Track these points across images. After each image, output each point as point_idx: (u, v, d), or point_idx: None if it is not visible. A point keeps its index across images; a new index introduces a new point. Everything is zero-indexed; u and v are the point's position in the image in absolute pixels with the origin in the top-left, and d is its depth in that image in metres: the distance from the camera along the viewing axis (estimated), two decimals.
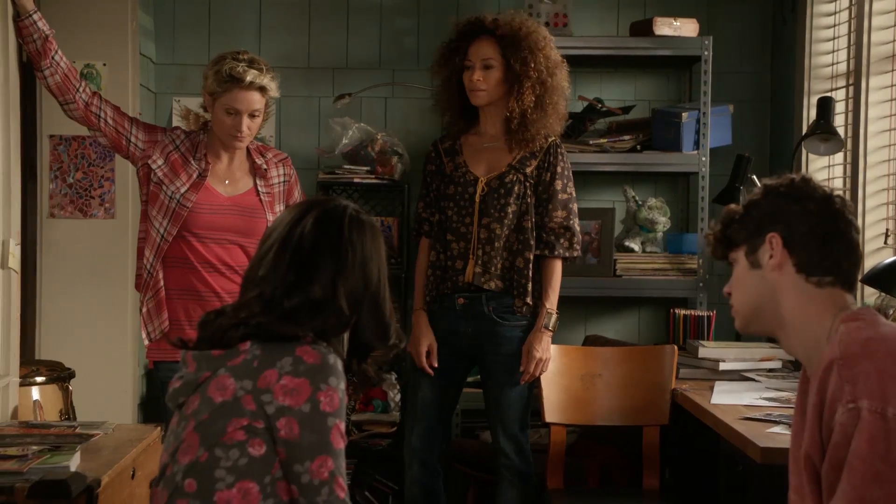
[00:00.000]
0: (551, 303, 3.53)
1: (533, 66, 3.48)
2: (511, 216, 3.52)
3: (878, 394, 1.80)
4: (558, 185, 3.54)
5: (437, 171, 3.65)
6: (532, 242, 3.52)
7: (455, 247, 3.56)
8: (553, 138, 3.58)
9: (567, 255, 3.56)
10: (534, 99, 3.49)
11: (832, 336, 1.94)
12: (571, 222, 3.55)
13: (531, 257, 3.52)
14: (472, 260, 3.52)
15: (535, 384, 3.62)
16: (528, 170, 3.54)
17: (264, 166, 3.49)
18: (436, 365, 3.55)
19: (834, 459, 1.84)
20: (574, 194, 3.60)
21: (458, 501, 4.23)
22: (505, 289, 3.51)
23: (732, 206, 2.12)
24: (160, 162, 3.40)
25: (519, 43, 3.49)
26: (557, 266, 3.56)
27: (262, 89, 3.36)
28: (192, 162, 3.42)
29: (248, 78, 3.32)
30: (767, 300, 2.04)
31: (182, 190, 3.38)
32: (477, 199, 3.54)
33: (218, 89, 3.33)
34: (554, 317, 3.52)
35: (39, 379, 3.35)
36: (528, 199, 3.52)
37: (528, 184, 3.53)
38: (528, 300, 3.51)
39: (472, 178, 3.57)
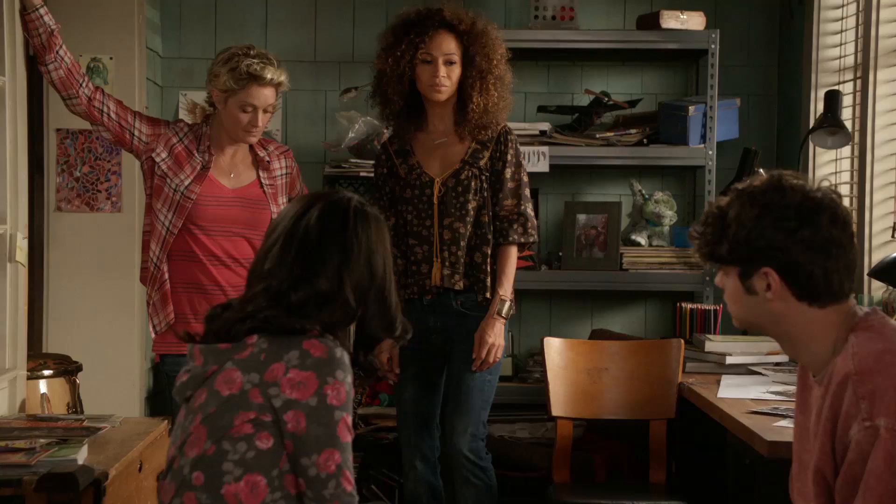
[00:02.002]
0: (504, 289, 3.47)
1: (495, 62, 3.47)
2: (472, 213, 3.48)
3: (895, 411, 1.79)
4: (507, 173, 3.50)
5: (389, 173, 3.59)
6: (490, 237, 3.49)
7: (419, 251, 3.50)
8: (502, 125, 3.54)
9: (522, 240, 3.50)
10: (496, 94, 3.47)
11: (843, 347, 1.91)
12: (522, 208, 3.50)
13: (489, 251, 3.49)
14: (436, 262, 3.47)
15: (492, 380, 3.52)
16: (482, 162, 3.50)
17: (267, 158, 3.50)
18: (397, 371, 3.52)
19: (849, 477, 1.82)
20: (525, 179, 3.54)
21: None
22: (470, 285, 3.49)
23: (714, 208, 2.01)
24: (164, 155, 3.41)
25: (479, 38, 3.46)
26: (512, 252, 3.50)
27: (279, 85, 3.39)
28: (196, 154, 3.43)
29: (268, 75, 3.34)
30: (767, 322, 2.00)
31: (186, 182, 3.39)
32: (435, 201, 3.49)
33: (235, 87, 3.33)
34: (507, 303, 3.46)
35: (47, 372, 3.35)
36: (486, 193, 3.49)
37: (483, 177, 3.49)
38: (487, 294, 3.47)
39: (427, 178, 3.51)
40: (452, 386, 3.51)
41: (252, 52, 3.37)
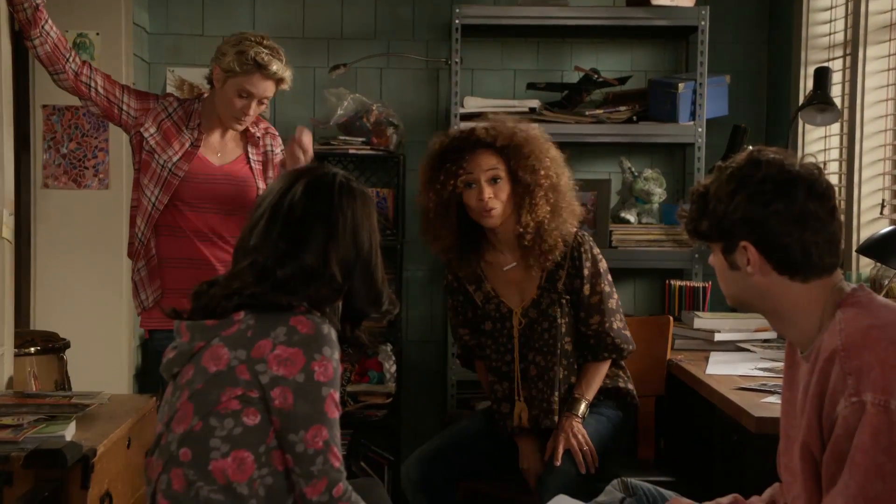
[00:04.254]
0: (582, 391, 3.22)
1: (542, 172, 3.14)
2: (558, 344, 3.20)
3: (882, 386, 1.79)
4: (586, 289, 3.20)
5: (465, 301, 3.32)
6: (576, 364, 3.25)
7: (498, 388, 3.26)
8: (571, 236, 3.21)
9: (613, 357, 3.27)
10: (549, 208, 3.14)
11: (830, 324, 1.91)
12: (607, 325, 3.22)
13: (573, 380, 3.25)
14: (519, 402, 3.23)
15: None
16: (560, 284, 3.20)
17: (257, 135, 3.49)
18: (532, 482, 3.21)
19: (836, 452, 1.83)
20: (607, 289, 3.23)
21: None
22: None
23: (699, 186, 2.04)
24: (152, 130, 3.39)
25: (521, 150, 3.14)
26: (601, 367, 3.27)
27: (280, 81, 3.36)
28: (185, 131, 3.41)
29: (273, 68, 3.31)
30: (753, 297, 2.01)
31: (174, 159, 3.37)
32: (516, 334, 3.23)
33: (237, 69, 3.30)
34: (584, 404, 3.20)
35: (34, 349, 3.34)
36: (568, 318, 3.22)
37: (563, 300, 3.21)
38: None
39: (505, 309, 3.25)
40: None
41: (264, 42, 3.34)
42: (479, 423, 3.38)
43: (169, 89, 4.59)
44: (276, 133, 3.59)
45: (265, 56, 3.30)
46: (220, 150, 3.45)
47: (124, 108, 3.38)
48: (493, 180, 3.14)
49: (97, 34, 4.19)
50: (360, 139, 4.45)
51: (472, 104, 4.37)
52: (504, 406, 3.26)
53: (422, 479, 3.19)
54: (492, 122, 3.22)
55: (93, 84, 3.34)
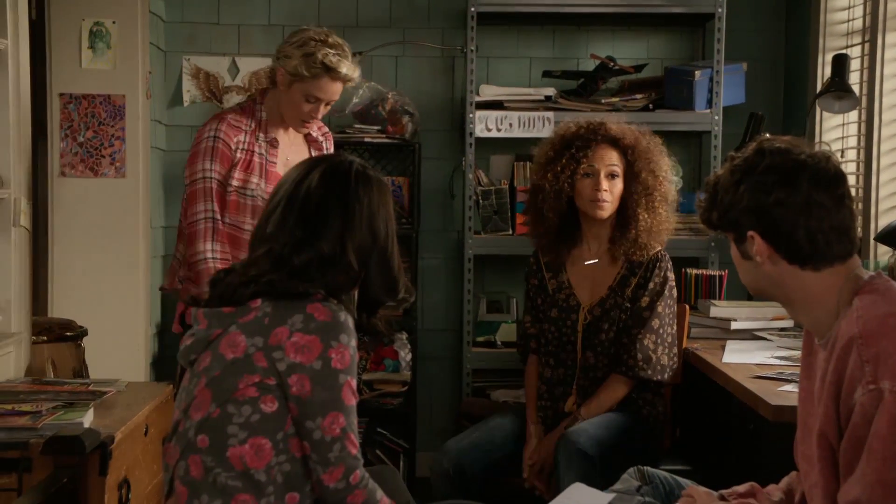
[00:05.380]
0: (586, 409, 3.25)
1: (661, 178, 3.29)
2: (608, 345, 3.29)
3: None
4: (644, 301, 3.28)
5: (539, 286, 3.42)
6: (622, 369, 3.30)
7: (554, 373, 3.34)
8: (657, 249, 3.31)
9: (629, 375, 3.28)
10: (663, 212, 3.29)
11: (847, 311, 1.91)
12: (640, 336, 3.26)
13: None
14: (574, 391, 3.30)
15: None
16: (628, 291, 3.30)
17: (319, 138, 3.44)
18: (538, 485, 3.24)
19: (853, 439, 1.82)
20: (660, 310, 3.28)
21: None
22: None
23: (712, 177, 2.05)
24: (234, 173, 3.25)
25: (646, 154, 3.29)
26: (619, 385, 3.28)
27: (348, 80, 3.25)
28: (257, 151, 3.28)
29: (343, 70, 3.20)
30: (767, 285, 2.01)
31: (262, 185, 3.26)
32: (580, 329, 3.31)
33: (305, 74, 3.18)
34: (578, 423, 3.22)
35: (52, 337, 3.36)
36: (621, 323, 3.29)
37: (625, 306, 3.29)
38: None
39: (574, 302, 3.34)
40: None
41: (330, 41, 3.22)
42: (514, 420, 3.40)
43: (185, 78, 4.59)
44: (330, 133, 3.54)
45: (333, 58, 3.18)
46: (286, 155, 3.34)
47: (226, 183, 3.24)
48: (611, 176, 3.27)
49: (113, 23, 4.20)
50: (376, 127, 4.44)
51: (488, 92, 4.36)
52: (557, 390, 3.32)
53: (456, 471, 3.19)
54: (617, 122, 3.36)
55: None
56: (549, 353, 3.35)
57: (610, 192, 3.27)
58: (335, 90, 3.24)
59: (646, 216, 3.27)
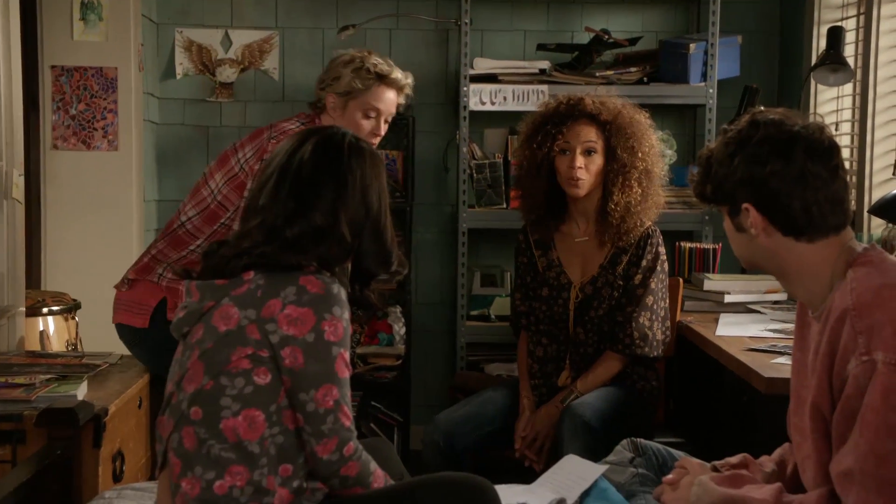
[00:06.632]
0: (581, 383, 3.24)
1: (640, 155, 3.21)
2: (598, 321, 3.27)
3: (893, 345, 1.78)
4: (637, 279, 3.25)
5: (528, 263, 3.39)
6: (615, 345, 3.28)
7: (545, 349, 3.33)
8: (646, 225, 3.28)
9: (626, 353, 3.26)
10: (640, 190, 3.22)
11: (841, 283, 1.90)
12: (636, 314, 3.24)
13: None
14: (567, 368, 3.29)
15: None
16: (620, 268, 3.26)
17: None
18: (535, 458, 3.22)
19: (846, 411, 1.82)
20: (653, 286, 3.26)
21: None
22: None
23: (705, 150, 2.04)
24: None
25: (624, 130, 3.21)
26: (613, 362, 3.27)
27: (402, 89, 3.18)
28: None
29: (396, 75, 3.14)
30: (761, 258, 2.01)
31: None
32: (571, 307, 3.28)
33: (359, 87, 3.09)
34: (573, 395, 3.22)
35: (45, 310, 3.36)
36: (613, 301, 3.26)
37: (617, 284, 3.26)
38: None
39: (565, 280, 3.31)
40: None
41: (373, 54, 3.15)
42: (506, 394, 3.39)
43: (177, 50, 4.57)
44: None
45: (383, 66, 3.12)
46: None
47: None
48: (588, 152, 3.22)
49: None
50: None
51: (482, 65, 4.35)
52: (550, 366, 3.31)
53: (446, 443, 3.19)
54: (601, 96, 3.29)
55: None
56: (541, 331, 3.34)
57: (586, 170, 3.20)
58: (392, 100, 3.16)
59: (619, 196, 3.20)
